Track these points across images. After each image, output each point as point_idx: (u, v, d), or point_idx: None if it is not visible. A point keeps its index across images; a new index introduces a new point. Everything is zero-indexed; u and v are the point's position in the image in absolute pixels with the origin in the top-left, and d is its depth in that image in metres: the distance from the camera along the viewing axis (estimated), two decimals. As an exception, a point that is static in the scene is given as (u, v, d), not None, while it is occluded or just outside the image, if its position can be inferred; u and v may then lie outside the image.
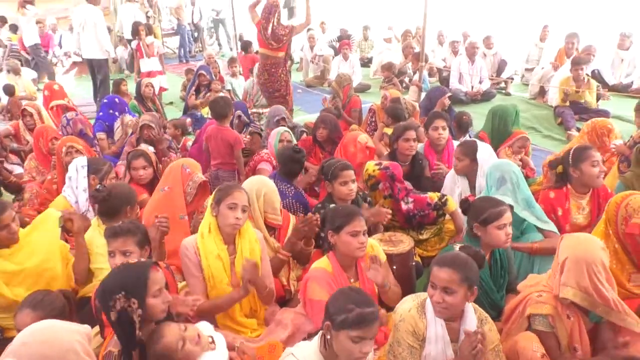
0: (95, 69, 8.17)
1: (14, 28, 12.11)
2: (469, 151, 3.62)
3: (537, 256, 2.94)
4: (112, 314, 1.86)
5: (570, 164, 3.15)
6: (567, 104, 6.49)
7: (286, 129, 4.53)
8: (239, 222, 2.57)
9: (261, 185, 3.08)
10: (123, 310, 1.86)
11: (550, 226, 3.03)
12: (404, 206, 3.44)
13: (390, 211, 3.36)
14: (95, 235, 2.80)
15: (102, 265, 2.69)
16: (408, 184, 3.60)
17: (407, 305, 2.19)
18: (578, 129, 5.81)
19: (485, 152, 3.65)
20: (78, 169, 3.39)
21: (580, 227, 3.14)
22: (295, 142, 4.51)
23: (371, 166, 3.52)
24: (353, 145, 4.08)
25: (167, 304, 2.01)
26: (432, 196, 3.49)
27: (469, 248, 2.27)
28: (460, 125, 4.84)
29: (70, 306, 2.36)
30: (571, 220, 3.17)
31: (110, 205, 2.84)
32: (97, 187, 2.87)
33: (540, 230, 3.02)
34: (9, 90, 7.45)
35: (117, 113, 5.61)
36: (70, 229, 2.80)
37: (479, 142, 3.71)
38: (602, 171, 3.13)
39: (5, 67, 8.63)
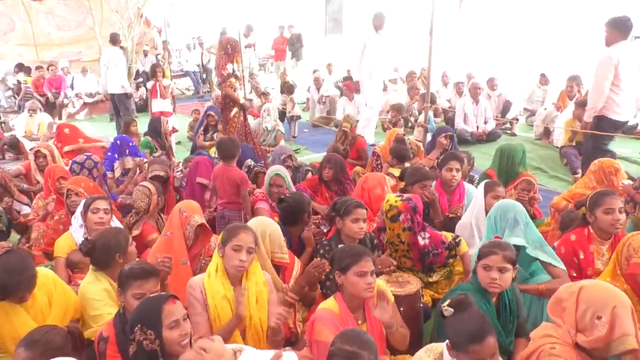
0: (117, 103, 9.22)
1: (28, 70, 12.48)
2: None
3: (547, 298, 2.88)
4: (131, 347, 1.90)
5: (588, 208, 3.09)
6: (574, 143, 6.52)
7: (279, 171, 4.43)
8: (244, 265, 2.55)
9: (265, 225, 3.09)
10: (140, 343, 1.89)
11: (561, 265, 2.97)
12: (421, 241, 3.40)
13: (395, 262, 3.34)
14: (92, 281, 2.74)
15: (100, 311, 2.65)
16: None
17: None
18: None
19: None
20: (79, 207, 3.47)
21: (599, 273, 3.04)
22: (288, 186, 4.41)
23: (392, 198, 3.46)
24: (380, 187, 4.09)
25: (186, 337, 2.01)
26: (447, 235, 3.52)
27: (457, 301, 2.18)
28: None
29: (75, 342, 2.31)
30: (594, 266, 3.06)
31: (98, 256, 2.76)
32: (82, 240, 2.81)
33: (548, 270, 2.97)
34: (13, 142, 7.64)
35: (116, 155, 5.77)
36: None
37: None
38: (616, 219, 2.99)
39: (26, 108, 8.91)
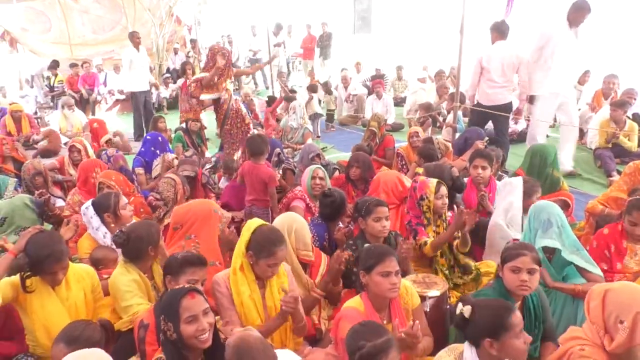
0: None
1: (55, 67, 12.64)
2: None
3: (581, 301, 2.81)
4: (161, 334, 1.99)
5: (625, 213, 3.12)
6: (610, 145, 6.35)
7: (319, 165, 4.53)
8: (275, 273, 2.60)
9: (291, 222, 3.10)
10: (164, 333, 1.97)
11: (597, 270, 2.91)
12: None
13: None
14: (123, 273, 2.79)
15: (130, 302, 2.70)
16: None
17: None
18: (619, 172, 5.65)
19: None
20: (85, 213, 3.46)
21: (632, 272, 3.03)
22: (328, 180, 4.50)
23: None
24: (401, 184, 4.08)
25: (204, 332, 2.01)
26: None
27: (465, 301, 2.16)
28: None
29: (107, 336, 2.37)
30: (623, 262, 3.05)
31: (131, 248, 2.82)
32: (116, 232, 2.87)
33: (584, 275, 2.90)
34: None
35: (158, 151, 5.84)
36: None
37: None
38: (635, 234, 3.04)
39: (60, 103, 9.15)
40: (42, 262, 2.53)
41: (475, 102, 6.31)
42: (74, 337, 2.18)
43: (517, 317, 2.01)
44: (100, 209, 3.46)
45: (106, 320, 2.48)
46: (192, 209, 3.37)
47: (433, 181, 3.52)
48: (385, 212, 3.19)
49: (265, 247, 2.52)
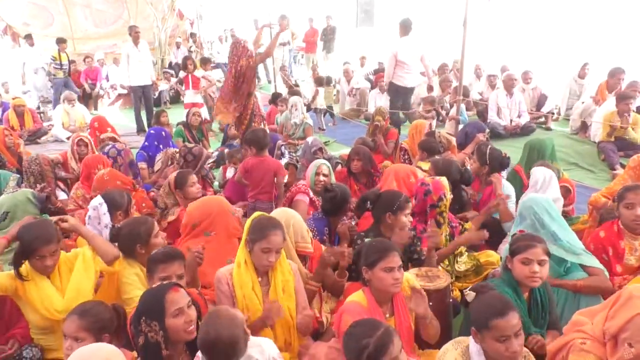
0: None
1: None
2: None
3: (583, 295, 2.80)
4: (140, 338, 1.95)
5: (616, 202, 3.06)
6: (613, 139, 6.31)
7: (324, 161, 4.49)
8: (272, 263, 2.60)
9: (288, 216, 3.11)
10: (146, 335, 1.95)
11: (592, 260, 2.89)
12: None
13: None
14: (125, 266, 2.82)
15: (132, 294, 2.72)
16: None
17: (451, 355, 2.10)
18: (622, 166, 5.62)
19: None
20: (97, 208, 3.42)
21: (632, 268, 3.00)
22: (333, 174, 4.48)
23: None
24: (414, 175, 4.07)
25: (191, 323, 2.06)
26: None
27: (479, 286, 2.27)
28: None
29: (119, 321, 2.39)
30: (623, 261, 3.02)
31: (121, 244, 2.84)
32: (111, 227, 2.88)
33: (585, 268, 2.89)
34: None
35: (161, 146, 5.85)
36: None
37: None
38: (636, 215, 2.94)
39: (62, 97, 9.09)
40: (30, 244, 2.53)
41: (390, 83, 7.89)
42: (85, 310, 2.21)
43: (507, 322, 1.95)
44: (114, 206, 3.44)
45: (120, 306, 2.49)
46: (207, 206, 3.38)
47: (443, 179, 3.53)
48: (410, 209, 3.24)
49: (258, 230, 2.56)
